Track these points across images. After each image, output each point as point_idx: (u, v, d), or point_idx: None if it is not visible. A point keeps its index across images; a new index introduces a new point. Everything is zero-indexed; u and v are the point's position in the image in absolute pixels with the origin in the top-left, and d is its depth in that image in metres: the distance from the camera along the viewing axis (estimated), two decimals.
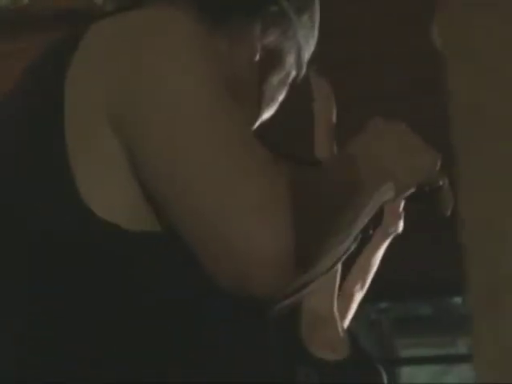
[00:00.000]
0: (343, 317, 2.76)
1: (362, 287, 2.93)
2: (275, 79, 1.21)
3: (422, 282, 5.28)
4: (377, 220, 1.11)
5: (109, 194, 0.95)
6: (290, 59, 1.22)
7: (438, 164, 1.15)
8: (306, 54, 1.25)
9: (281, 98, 1.25)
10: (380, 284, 3.10)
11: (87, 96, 0.96)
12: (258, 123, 1.24)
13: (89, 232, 0.94)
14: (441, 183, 1.18)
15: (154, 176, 0.94)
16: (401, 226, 2.90)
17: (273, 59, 1.20)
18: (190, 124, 0.93)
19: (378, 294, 3.05)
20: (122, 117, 0.94)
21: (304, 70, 1.26)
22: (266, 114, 1.24)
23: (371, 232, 1.13)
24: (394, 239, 3.02)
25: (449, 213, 1.19)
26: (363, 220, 1.04)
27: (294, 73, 1.24)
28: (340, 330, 2.69)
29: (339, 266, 1.16)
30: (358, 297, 2.91)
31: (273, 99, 1.23)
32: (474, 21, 0.73)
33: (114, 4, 1.16)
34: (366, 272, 2.93)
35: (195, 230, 0.93)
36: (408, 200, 1.18)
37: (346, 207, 1.01)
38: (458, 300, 6.71)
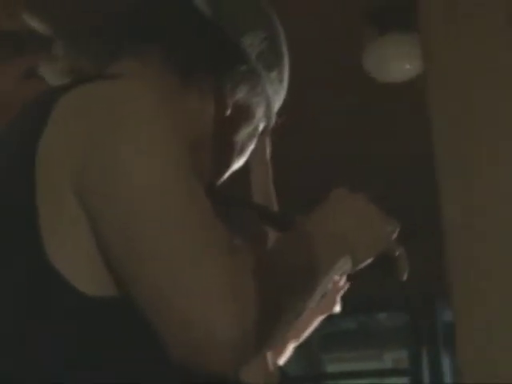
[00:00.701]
0: (275, 354, 2.85)
1: (297, 340, 3.05)
2: (244, 132, 1.24)
3: (348, 298, 5.37)
4: None
5: (75, 259, 0.96)
6: (260, 113, 1.25)
7: (396, 233, 1.17)
8: (276, 106, 1.28)
9: (250, 149, 1.28)
10: None
11: (56, 164, 0.97)
12: (227, 174, 1.26)
13: (54, 292, 0.96)
14: (397, 253, 1.18)
15: (112, 250, 0.95)
16: (337, 309, 3.02)
17: (242, 114, 1.23)
18: (151, 200, 0.93)
19: None
20: (85, 187, 0.96)
21: (274, 121, 1.29)
22: (236, 165, 1.27)
23: None
24: None
25: (404, 278, 1.20)
26: (320, 292, 1.04)
27: (262, 124, 1.28)
28: (270, 363, 2.76)
29: None
30: (291, 346, 3.01)
31: (242, 151, 1.26)
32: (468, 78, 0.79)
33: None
34: (303, 330, 3.05)
35: (153, 305, 0.93)
36: (364, 267, 1.17)
37: (303, 285, 1.02)
38: (382, 315, 6.83)
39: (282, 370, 2.83)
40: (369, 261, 1.14)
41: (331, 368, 6.73)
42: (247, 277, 0.94)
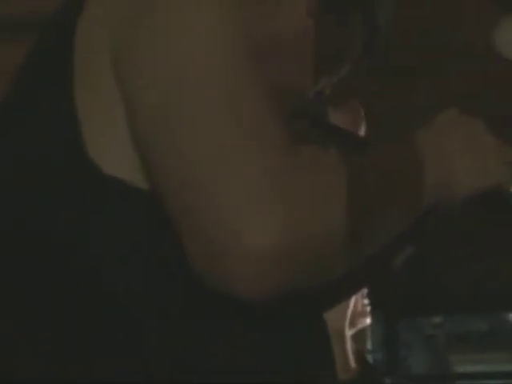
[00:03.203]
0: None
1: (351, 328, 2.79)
2: (338, 40, 1.09)
3: (478, 297, 5.21)
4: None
5: (114, 150, 0.85)
6: (354, 19, 1.09)
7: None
8: (381, 15, 1.11)
9: (349, 63, 1.12)
10: (435, 298, 3.02)
11: (95, 44, 0.89)
12: (318, 86, 1.11)
13: (95, 187, 0.85)
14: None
15: (148, 141, 0.83)
16: (367, 322, 2.77)
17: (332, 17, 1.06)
18: (195, 88, 0.81)
19: (433, 308, 2.98)
20: (125, 69, 0.86)
21: (379, 34, 1.12)
22: (331, 78, 1.11)
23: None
24: (448, 253, 2.94)
25: None
26: (411, 217, 0.93)
27: (364, 37, 1.11)
28: (349, 347, 2.58)
29: None
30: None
31: (339, 61, 1.11)
32: None
33: None
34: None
35: (178, 199, 0.80)
36: (475, 206, 1.05)
37: (395, 199, 0.91)
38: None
39: (362, 356, 2.64)
40: (473, 193, 1.00)
41: (460, 369, 6.54)
42: (318, 179, 0.80)
